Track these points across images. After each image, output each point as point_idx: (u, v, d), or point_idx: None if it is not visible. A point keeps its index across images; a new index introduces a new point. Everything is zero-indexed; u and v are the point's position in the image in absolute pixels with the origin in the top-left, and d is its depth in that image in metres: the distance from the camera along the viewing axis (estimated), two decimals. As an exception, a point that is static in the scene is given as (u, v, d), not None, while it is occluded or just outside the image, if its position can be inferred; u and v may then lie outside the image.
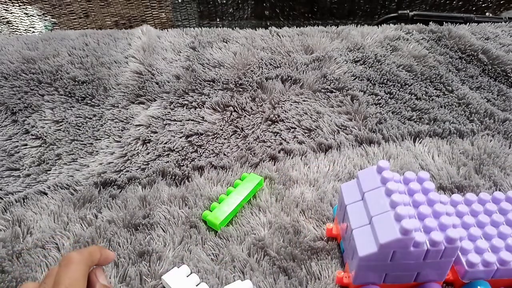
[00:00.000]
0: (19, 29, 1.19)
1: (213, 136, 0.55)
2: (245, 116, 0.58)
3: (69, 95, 0.62)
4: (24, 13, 1.18)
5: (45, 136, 0.56)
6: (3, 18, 1.15)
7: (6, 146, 0.55)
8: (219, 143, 0.54)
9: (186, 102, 0.60)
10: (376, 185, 0.34)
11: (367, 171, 0.36)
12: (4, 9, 1.15)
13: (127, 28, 0.78)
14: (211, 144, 0.54)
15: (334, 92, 0.62)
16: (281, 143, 0.54)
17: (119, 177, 0.49)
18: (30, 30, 1.20)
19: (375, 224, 0.31)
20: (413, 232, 0.29)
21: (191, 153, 0.53)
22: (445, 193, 0.46)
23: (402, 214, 0.30)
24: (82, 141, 0.55)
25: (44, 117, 0.59)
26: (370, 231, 0.32)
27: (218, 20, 1.22)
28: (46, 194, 0.47)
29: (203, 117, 0.58)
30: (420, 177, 0.35)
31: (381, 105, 0.60)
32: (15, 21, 1.18)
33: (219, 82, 0.63)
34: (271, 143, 0.54)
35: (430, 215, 0.32)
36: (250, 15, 1.22)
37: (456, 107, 0.60)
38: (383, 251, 0.31)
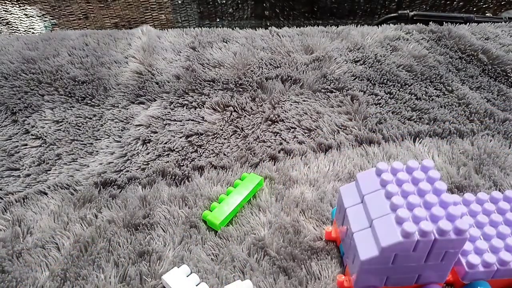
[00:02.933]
0: (18, 30, 1.19)
1: (213, 136, 0.55)
2: (245, 116, 0.58)
3: (69, 95, 0.62)
4: (24, 14, 1.18)
5: (45, 136, 0.56)
6: (2, 19, 1.15)
7: (6, 146, 0.55)
8: (219, 143, 0.54)
9: (186, 102, 0.60)
10: (375, 188, 0.33)
11: (366, 173, 0.35)
12: (3, 10, 1.15)
13: (127, 29, 0.78)
14: (211, 144, 0.54)
15: (334, 92, 0.62)
16: (281, 143, 0.54)
17: (119, 177, 0.49)
18: (29, 31, 1.20)
19: (376, 227, 0.31)
20: (414, 235, 0.29)
21: (191, 153, 0.53)
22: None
23: (403, 217, 0.30)
24: (82, 141, 0.55)
25: (44, 117, 0.59)
26: (371, 235, 0.32)
27: (218, 20, 1.22)
28: (46, 194, 0.47)
29: (203, 117, 0.58)
30: (424, 165, 0.33)
31: (381, 105, 0.60)
32: (14, 22, 1.18)
33: (219, 82, 0.63)
34: (271, 143, 0.54)
35: (426, 217, 0.31)
36: (250, 15, 1.21)
37: (456, 107, 0.60)
38: (385, 254, 0.30)
